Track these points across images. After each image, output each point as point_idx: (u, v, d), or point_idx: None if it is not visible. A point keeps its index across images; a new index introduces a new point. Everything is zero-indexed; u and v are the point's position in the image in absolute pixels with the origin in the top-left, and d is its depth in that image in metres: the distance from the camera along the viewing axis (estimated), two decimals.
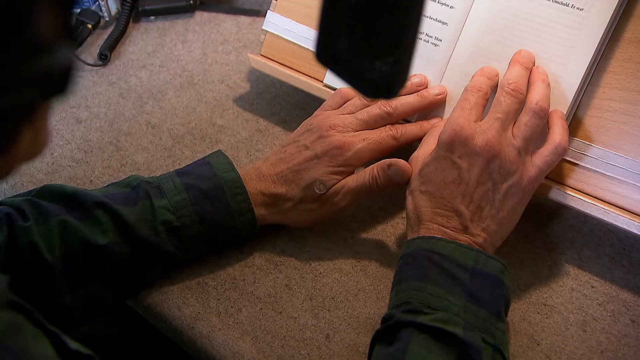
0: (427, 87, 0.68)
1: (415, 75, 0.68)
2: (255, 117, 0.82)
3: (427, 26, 0.68)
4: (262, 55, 0.80)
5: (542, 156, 0.58)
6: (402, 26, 0.33)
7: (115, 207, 0.60)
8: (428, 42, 0.67)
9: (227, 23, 0.96)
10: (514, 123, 0.59)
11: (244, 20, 0.96)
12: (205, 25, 0.96)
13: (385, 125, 0.66)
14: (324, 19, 0.34)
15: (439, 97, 0.67)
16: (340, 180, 0.64)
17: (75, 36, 0.89)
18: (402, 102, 0.66)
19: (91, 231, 0.59)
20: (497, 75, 0.63)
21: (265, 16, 0.79)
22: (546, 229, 0.67)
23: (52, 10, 0.31)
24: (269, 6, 0.79)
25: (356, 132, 0.65)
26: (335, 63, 0.35)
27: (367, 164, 0.64)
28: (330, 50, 0.35)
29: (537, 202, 0.67)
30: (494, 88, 0.63)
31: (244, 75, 0.88)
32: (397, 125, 0.66)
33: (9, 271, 0.57)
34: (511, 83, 0.59)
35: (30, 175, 0.75)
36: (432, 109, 0.68)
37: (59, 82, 0.33)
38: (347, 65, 0.35)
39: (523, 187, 0.57)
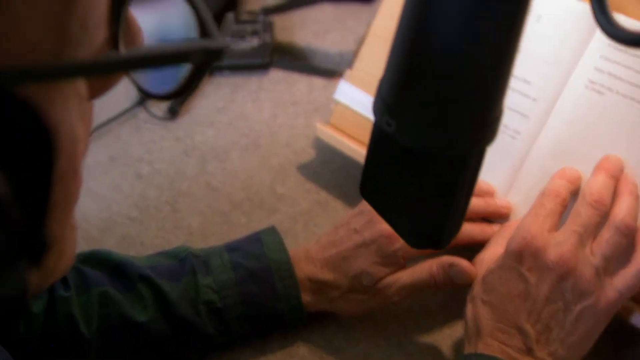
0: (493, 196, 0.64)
1: (481, 180, 0.63)
2: (317, 188, 0.78)
3: (505, 117, 0.63)
4: (331, 125, 0.77)
5: (624, 279, 0.52)
6: (452, 181, 0.28)
7: (159, 283, 0.58)
8: (505, 133, 0.62)
9: (300, 84, 0.94)
10: (594, 238, 0.53)
11: (317, 82, 0.94)
12: (279, 84, 0.94)
13: None
14: (369, 155, 0.30)
15: (503, 210, 0.62)
16: (389, 273, 0.60)
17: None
18: None
19: (131, 306, 0.57)
20: (579, 179, 0.57)
21: (340, 77, 0.76)
22: (628, 350, 0.60)
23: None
24: (347, 65, 0.76)
25: None
26: (380, 202, 0.31)
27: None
28: (374, 188, 0.30)
29: (617, 319, 0.60)
30: (575, 193, 0.57)
31: (310, 141, 0.85)
32: None
33: (44, 339, 0.56)
34: (594, 193, 0.53)
35: (84, 231, 0.74)
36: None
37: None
38: (393, 207, 0.30)
39: (599, 310, 0.51)
